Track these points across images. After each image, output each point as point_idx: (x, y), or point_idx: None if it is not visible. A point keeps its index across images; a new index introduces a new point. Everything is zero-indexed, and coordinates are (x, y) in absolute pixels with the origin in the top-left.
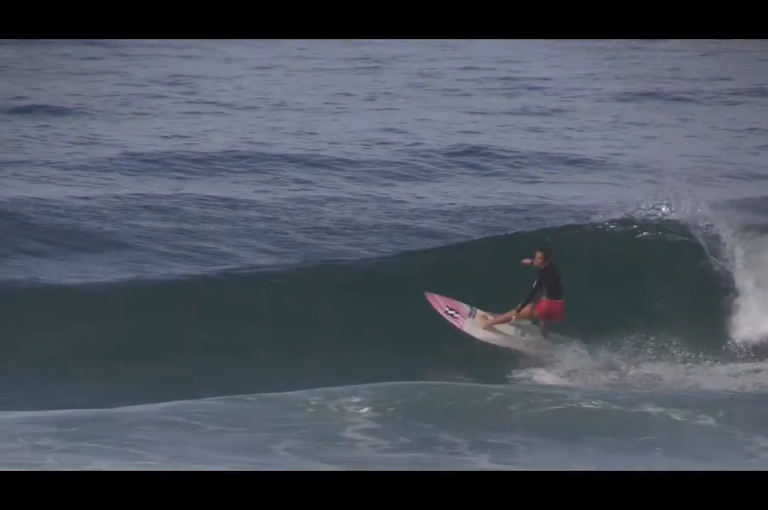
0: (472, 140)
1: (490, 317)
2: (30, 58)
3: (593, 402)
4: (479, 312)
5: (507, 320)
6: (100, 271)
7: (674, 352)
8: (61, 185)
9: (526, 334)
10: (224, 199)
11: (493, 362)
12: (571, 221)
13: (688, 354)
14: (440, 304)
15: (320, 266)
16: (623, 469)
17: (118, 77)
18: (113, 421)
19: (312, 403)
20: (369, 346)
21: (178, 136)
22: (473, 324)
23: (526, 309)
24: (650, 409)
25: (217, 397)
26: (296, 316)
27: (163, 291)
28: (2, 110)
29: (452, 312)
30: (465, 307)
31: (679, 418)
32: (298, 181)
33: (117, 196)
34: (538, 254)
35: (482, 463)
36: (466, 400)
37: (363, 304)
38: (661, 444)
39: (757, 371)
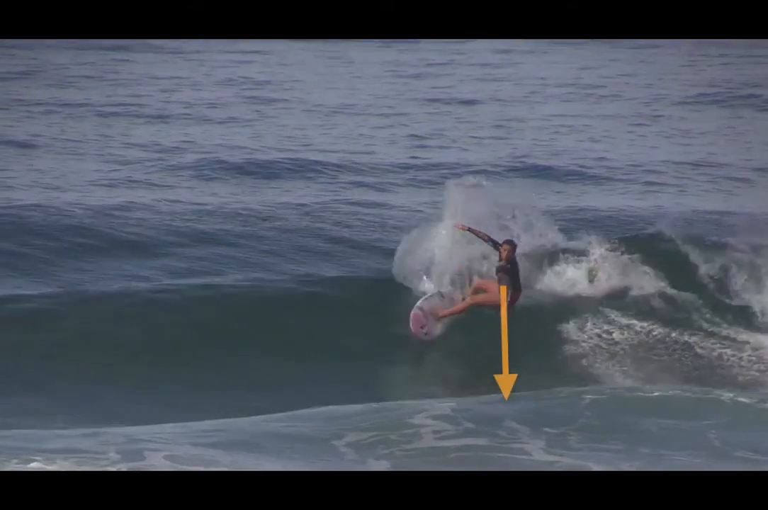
0: (528, 146)
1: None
2: (93, 63)
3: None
4: (425, 306)
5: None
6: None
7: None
8: (134, 189)
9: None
10: (286, 204)
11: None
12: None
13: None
14: (417, 328)
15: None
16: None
17: (175, 82)
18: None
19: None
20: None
21: (237, 140)
22: (435, 325)
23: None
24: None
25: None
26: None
27: (232, 294)
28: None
29: (424, 329)
30: (424, 313)
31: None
32: (358, 184)
33: (179, 200)
34: (505, 246)
35: (538, 452)
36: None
37: None
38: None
39: None
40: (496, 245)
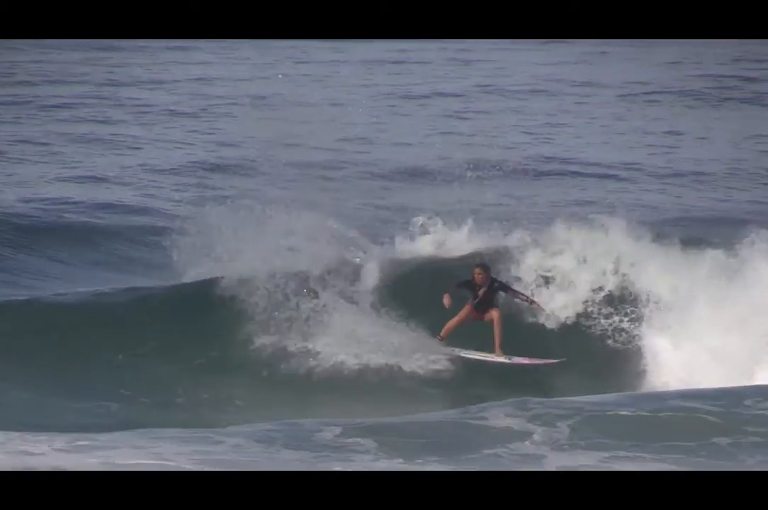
0: (539, 147)
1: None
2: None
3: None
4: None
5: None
6: None
7: None
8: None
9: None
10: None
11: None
12: None
13: None
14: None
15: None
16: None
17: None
18: None
19: None
20: None
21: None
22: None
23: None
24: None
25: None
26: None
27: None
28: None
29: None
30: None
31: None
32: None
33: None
34: (477, 270)
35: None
36: None
37: None
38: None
39: None
40: (470, 282)
